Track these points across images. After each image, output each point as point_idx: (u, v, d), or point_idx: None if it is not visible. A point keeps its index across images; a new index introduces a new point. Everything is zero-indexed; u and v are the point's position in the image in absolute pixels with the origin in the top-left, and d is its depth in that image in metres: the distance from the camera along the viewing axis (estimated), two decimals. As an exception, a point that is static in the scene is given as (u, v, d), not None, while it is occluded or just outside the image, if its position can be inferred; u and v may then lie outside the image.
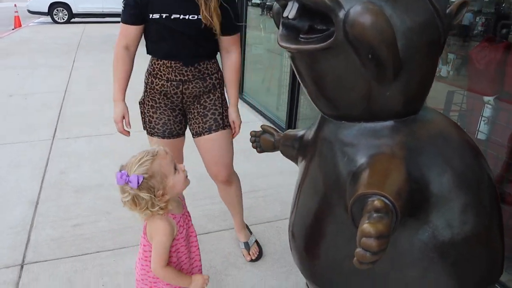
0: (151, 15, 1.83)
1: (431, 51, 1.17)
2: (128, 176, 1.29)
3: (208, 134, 2.00)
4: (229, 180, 2.14)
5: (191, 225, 1.54)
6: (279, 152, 1.74)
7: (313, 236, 1.40)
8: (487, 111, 2.27)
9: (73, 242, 2.41)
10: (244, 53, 5.40)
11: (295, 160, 1.64)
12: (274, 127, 1.85)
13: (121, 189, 1.34)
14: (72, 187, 3.02)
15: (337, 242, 1.31)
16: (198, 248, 1.58)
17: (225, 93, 2.08)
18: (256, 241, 2.36)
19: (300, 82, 1.33)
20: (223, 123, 2.02)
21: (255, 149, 1.85)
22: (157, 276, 1.43)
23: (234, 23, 1.90)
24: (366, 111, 1.21)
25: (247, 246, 2.31)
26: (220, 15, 1.80)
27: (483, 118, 2.28)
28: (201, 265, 1.60)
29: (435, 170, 1.20)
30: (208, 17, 1.78)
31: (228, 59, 1.97)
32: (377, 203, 0.93)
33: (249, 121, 4.38)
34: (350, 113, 1.24)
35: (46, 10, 13.55)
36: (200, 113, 1.99)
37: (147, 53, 1.97)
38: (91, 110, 4.71)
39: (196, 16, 1.80)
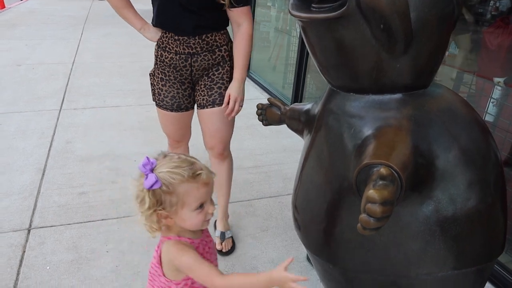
0: None
1: (444, 25, 1.16)
2: (151, 171, 1.07)
3: (211, 107, 1.98)
4: (224, 154, 2.12)
5: (214, 254, 1.28)
6: (283, 129, 1.72)
7: (316, 209, 1.41)
8: (497, 93, 2.25)
9: (78, 209, 2.45)
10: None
11: (300, 133, 1.64)
12: (281, 100, 1.84)
13: (139, 174, 1.12)
14: (78, 157, 3.04)
15: (341, 214, 1.32)
16: None
17: None
18: (232, 238, 2.26)
19: (310, 52, 1.32)
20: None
21: (261, 122, 1.85)
22: None
23: None
24: (375, 83, 1.20)
25: (222, 236, 2.21)
26: None
27: (492, 100, 2.26)
28: None
29: (442, 145, 1.20)
30: None
31: (238, 32, 1.91)
32: (383, 170, 0.93)
33: (254, 98, 4.38)
34: (358, 85, 1.24)
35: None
36: (207, 86, 1.97)
37: (153, 25, 1.95)
38: (98, 82, 4.71)
39: None
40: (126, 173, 2.85)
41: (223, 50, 1.94)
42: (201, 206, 1.11)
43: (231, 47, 1.97)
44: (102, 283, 1.93)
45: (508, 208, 1.39)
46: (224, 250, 2.18)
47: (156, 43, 1.99)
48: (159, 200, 1.08)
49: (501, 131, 2.26)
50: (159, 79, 2.00)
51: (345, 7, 1.08)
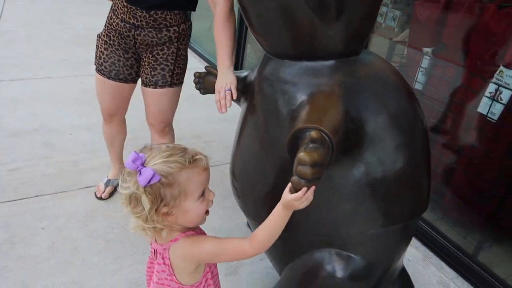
0: None
1: (373, -8, 1.19)
2: (143, 165, 0.96)
3: (153, 88, 1.94)
4: (164, 131, 2.10)
5: None
6: None
7: (254, 175, 1.43)
8: (425, 62, 2.37)
9: (10, 186, 2.32)
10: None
11: (238, 101, 1.64)
12: (219, 69, 1.82)
13: (127, 173, 0.99)
14: (7, 132, 2.86)
15: (276, 179, 1.35)
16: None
17: (185, 50, 1.97)
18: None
19: (245, 19, 1.31)
20: (172, 80, 1.95)
21: (199, 91, 1.83)
22: (261, 249, 1.06)
23: None
24: (308, 49, 1.22)
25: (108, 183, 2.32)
26: None
27: (421, 69, 2.38)
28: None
29: (371, 110, 1.25)
30: None
31: (215, 13, 1.66)
32: (313, 134, 0.96)
33: (194, 68, 4.28)
34: (292, 51, 1.25)
35: None
36: (150, 64, 1.92)
37: None
38: (27, 52, 4.39)
39: None
40: (61, 148, 2.73)
41: (171, 31, 1.87)
42: (202, 194, 1.04)
43: (183, 30, 1.90)
44: (37, 261, 1.87)
45: (431, 170, 1.49)
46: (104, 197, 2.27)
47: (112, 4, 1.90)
48: (158, 195, 0.96)
49: (429, 99, 2.40)
50: (103, 42, 1.93)
51: (277, -29, 1.08)
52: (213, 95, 1.84)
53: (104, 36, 1.93)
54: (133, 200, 0.98)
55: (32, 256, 1.89)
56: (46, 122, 3.00)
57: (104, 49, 1.93)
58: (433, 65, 2.39)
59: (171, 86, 1.96)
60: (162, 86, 1.93)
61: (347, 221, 1.33)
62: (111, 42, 1.91)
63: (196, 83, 1.79)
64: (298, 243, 1.44)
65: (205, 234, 1.16)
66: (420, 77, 2.42)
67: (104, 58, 1.93)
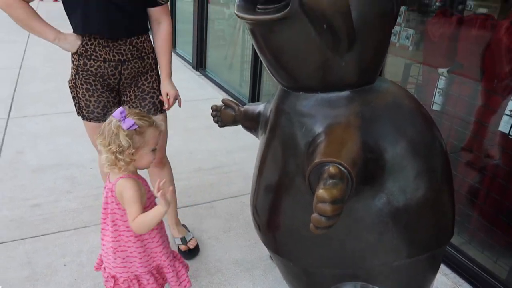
0: None
1: (384, 22, 1.19)
2: (126, 117, 1.36)
3: None
4: (162, 162, 2.09)
5: (150, 191, 1.56)
6: (242, 129, 1.74)
7: (274, 207, 1.42)
8: (441, 83, 2.34)
9: (32, 222, 2.35)
10: (206, 29, 5.31)
11: (255, 133, 1.65)
12: (235, 101, 1.84)
13: (109, 124, 1.38)
14: (30, 167, 2.92)
15: (296, 211, 1.34)
16: None
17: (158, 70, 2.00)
18: (195, 238, 2.23)
19: (259, 54, 1.32)
20: (160, 106, 1.97)
21: (216, 124, 1.84)
22: (138, 231, 1.42)
23: None
24: (322, 81, 1.22)
25: (184, 241, 2.18)
26: None
27: (438, 90, 2.35)
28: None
29: (389, 138, 1.24)
30: None
31: (159, 30, 1.90)
32: (332, 169, 0.95)
33: (212, 98, 4.34)
34: (307, 84, 1.26)
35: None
36: (138, 97, 1.92)
37: (74, 31, 1.80)
38: (49, 88, 4.53)
39: None
40: (82, 182, 2.77)
41: (150, 58, 1.92)
42: (154, 149, 1.45)
43: (155, 56, 1.96)
44: (60, 298, 1.87)
45: (455, 192, 1.46)
46: (191, 247, 2.16)
47: (75, 51, 1.84)
48: (131, 138, 1.35)
49: (448, 119, 2.36)
50: (84, 90, 1.87)
51: (288, 8, 1.09)
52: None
53: (82, 84, 1.86)
54: (113, 140, 1.35)
55: (55, 293, 1.90)
56: (67, 157, 3.06)
57: (89, 96, 1.87)
58: (450, 85, 2.36)
59: (161, 112, 1.99)
60: (154, 114, 1.94)
61: (371, 253, 1.30)
62: (94, 87, 1.86)
63: (213, 116, 1.81)
64: (321, 276, 1.41)
65: (144, 180, 1.52)
66: (437, 97, 2.39)
67: (93, 104, 1.88)
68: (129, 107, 1.94)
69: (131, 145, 1.36)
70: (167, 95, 1.94)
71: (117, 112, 1.38)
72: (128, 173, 1.43)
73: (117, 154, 1.37)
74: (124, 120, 1.36)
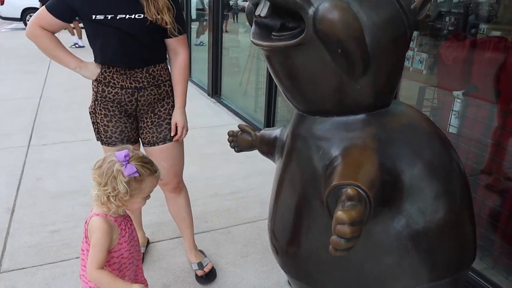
0: (94, 16, 1.75)
1: (398, 46, 1.21)
2: (128, 162, 1.33)
3: (162, 144, 1.98)
4: (179, 187, 2.11)
5: (134, 230, 1.52)
6: (258, 154, 1.76)
7: (292, 231, 1.42)
8: (457, 105, 2.34)
9: (51, 248, 2.37)
10: (221, 57, 5.41)
11: (272, 158, 1.66)
12: (251, 126, 1.86)
13: (110, 163, 1.34)
14: (49, 193, 2.97)
15: (315, 235, 1.34)
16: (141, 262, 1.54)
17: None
18: (211, 264, 2.22)
19: (275, 79, 1.35)
20: (176, 132, 2.00)
21: (233, 149, 1.86)
22: (90, 280, 1.36)
23: (181, 23, 1.88)
24: (338, 105, 1.24)
25: (200, 266, 2.17)
26: (170, 13, 1.77)
27: (453, 112, 2.35)
28: (145, 280, 1.62)
29: (406, 160, 1.24)
30: (155, 14, 1.74)
31: (176, 60, 1.94)
32: (350, 191, 0.96)
33: (227, 124, 4.40)
34: (323, 107, 1.27)
35: (19, 16, 13.23)
36: (155, 123, 1.96)
37: (95, 60, 1.91)
38: (68, 116, 4.64)
39: (142, 15, 1.75)
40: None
41: (167, 85, 1.96)
42: (146, 196, 1.42)
43: (170, 84, 1.99)
44: (78, 325, 1.87)
45: (476, 215, 1.43)
46: (207, 271, 2.15)
47: (95, 79, 1.93)
48: (129, 185, 1.32)
49: (465, 142, 2.35)
50: (102, 116, 1.94)
51: (303, 34, 1.12)
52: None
53: (101, 110, 1.93)
54: (110, 181, 1.32)
55: (73, 320, 1.90)
56: (86, 183, 3.08)
57: (107, 121, 1.93)
58: (465, 107, 2.36)
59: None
60: (170, 140, 1.98)
61: (391, 277, 1.28)
62: (112, 113, 1.92)
63: (230, 141, 1.84)
64: (340, 301, 1.39)
65: (128, 220, 1.49)
66: (453, 120, 2.38)
67: (111, 130, 1.94)
68: (145, 133, 1.98)
69: (128, 192, 1.32)
70: (176, 124, 1.96)
71: (122, 155, 1.33)
72: (108, 213, 1.39)
73: (111, 198, 1.33)
74: (126, 165, 1.32)
